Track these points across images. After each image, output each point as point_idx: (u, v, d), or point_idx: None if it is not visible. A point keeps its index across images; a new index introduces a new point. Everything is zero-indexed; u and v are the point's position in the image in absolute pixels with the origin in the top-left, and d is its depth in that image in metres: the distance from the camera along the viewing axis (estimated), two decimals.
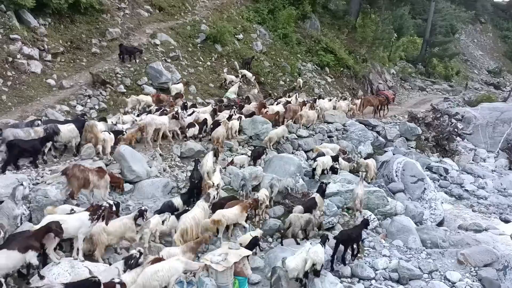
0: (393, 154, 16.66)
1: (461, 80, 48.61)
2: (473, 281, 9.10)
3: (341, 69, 28.48)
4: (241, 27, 25.11)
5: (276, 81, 24.01)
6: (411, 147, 19.32)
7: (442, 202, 14.56)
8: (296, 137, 16.35)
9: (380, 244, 10.19)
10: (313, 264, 7.74)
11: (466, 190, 16.60)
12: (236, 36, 24.15)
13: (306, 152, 16.12)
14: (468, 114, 24.25)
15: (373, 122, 19.74)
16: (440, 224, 13.02)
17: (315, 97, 21.75)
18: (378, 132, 19.34)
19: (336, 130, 18.27)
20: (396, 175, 14.56)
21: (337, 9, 34.20)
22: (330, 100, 20.56)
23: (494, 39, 68.85)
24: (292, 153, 15.50)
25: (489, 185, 17.28)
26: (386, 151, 17.92)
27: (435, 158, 19.29)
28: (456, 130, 21.35)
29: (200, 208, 8.97)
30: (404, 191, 14.01)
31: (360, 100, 22.73)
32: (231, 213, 9.06)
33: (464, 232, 12.76)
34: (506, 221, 14.32)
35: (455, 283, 8.93)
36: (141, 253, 7.16)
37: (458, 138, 21.38)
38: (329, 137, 17.72)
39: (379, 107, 22.72)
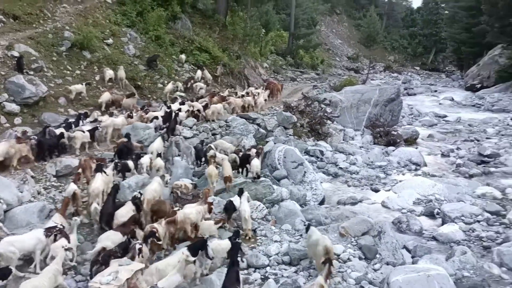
0: (274, 144, 17.54)
1: (326, 68, 53.10)
2: (354, 251, 10.12)
3: (217, 67, 28.99)
4: (109, 32, 23.93)
5: (154, 84, 23.52)
6: (289, 135, 20.56)
7: (321, 182, 15.87)
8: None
9: (271, 231, 10.78)
10: None
11: (341, 168, 18.26)
12: (105, 41, 22.99)
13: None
14: (334, 98, 26.60)
15: (253, 115, 20.56)
16: (321, 202, 14.19)
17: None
18: (258, 124, 20.20)
19: (219, 127, 18.68)
20: (279, 163, 15.41)
21: (206, 8, 34.56)
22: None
23: (349, 28, 76.45)
24: (178, 155, 15.48)
25: (359, 161, 19.25)
26: (268, 141, 18.80)
27: (311, 142, 20.86)
28: (326, 114, 23.35)
29: (157, 182, 11.01)
30: (287, 177, 14.89)
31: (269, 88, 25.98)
32: None
33: (343, 207, 14.12)
34: (376, 191, 16.16)
35: (339, 255, 9.81)
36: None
37: (328, 122, 23.36)
38: (213, 134, 18.06)
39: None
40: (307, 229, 9.54)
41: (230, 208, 10.75)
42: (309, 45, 52.30)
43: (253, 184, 12.62)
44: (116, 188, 10.41)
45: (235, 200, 10.87)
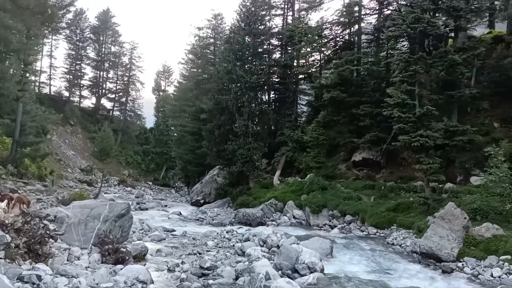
0: None
1: (56, 180, 49.56)
2: None
3: None
4: None
5: None
6: (0, 258, 17.47)
7: None
8: None
9: None
10: None
11: None
12: None
13: None
14: (60, 213, 24.58)
15: None
16: None
17: None
18: None
19: None
20: None
21: None
22: None
23: (84, 140, 75.36)
24: None
25: (82, 284, 17.60)
26: None
27: (27, 265, 18.16)
28: (48, 232, 21.08)
29: None
30: None
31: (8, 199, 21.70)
32: None
33: None
34: None
35: None
36: None
37: (51, 240, 21.13)
38: None
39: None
40: None
41: None
42: (36, 154, 48.28)
43: None
44: None
45: None
